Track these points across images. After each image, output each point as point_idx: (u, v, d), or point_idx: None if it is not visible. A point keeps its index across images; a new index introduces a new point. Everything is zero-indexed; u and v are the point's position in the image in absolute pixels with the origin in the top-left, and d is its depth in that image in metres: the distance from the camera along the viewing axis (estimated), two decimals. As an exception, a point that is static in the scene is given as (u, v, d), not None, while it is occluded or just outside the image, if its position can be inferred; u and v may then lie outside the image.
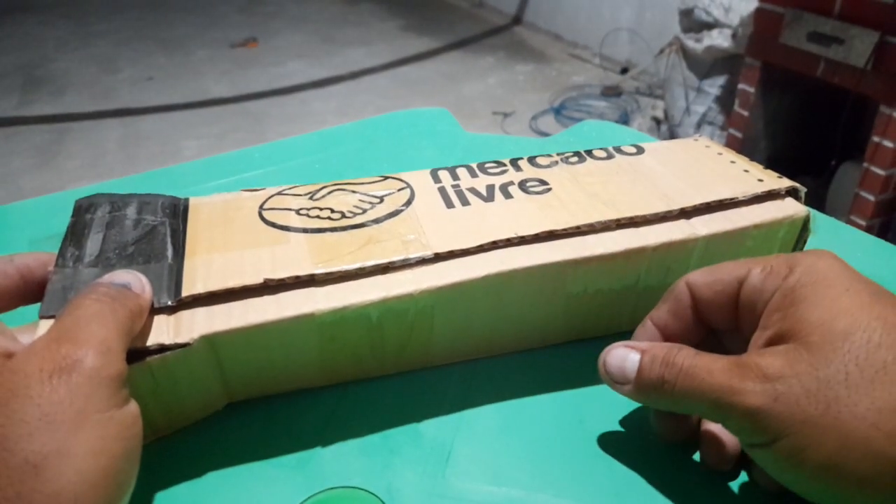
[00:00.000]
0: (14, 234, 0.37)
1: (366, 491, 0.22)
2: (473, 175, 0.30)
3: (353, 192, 0.29)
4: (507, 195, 0.29)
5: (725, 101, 1.52)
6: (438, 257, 0.25)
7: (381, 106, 2.00)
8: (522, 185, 0.29)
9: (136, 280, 0.22)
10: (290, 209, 0.28)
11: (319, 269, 0.24)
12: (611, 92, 2.00)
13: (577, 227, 0.26)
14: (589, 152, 0.32)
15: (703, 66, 1.54)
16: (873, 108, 1.17)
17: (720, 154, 0.32)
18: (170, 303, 0.22)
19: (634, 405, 0.26)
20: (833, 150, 1.26)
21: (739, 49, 1.41)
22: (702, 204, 0.27)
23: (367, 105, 2.01)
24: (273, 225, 0.27)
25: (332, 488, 0.22)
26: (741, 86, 1.39)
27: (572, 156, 0.32)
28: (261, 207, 0.28)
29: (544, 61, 2.34)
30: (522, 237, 0.26)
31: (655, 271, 0.27)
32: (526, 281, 0.25)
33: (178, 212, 0.28)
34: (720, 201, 0.27)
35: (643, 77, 2.06)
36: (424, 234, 0.26)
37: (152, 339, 0.21)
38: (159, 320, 0.22)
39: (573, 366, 0.27)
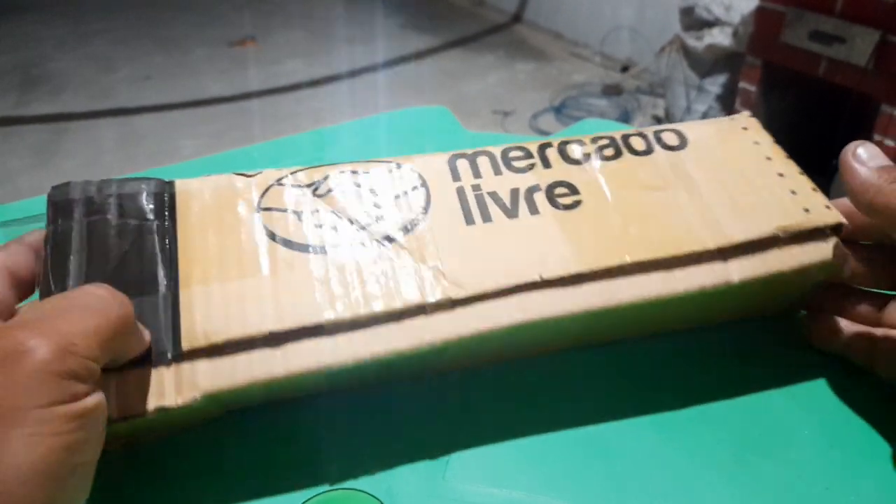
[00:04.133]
0: (12, 233, 0.37)
1: (365, 493, 0.21)
2: (497, 170, 0.27)
3: (361, 186, 0.26)
4: (533, 208, 0.26)
5: (726, 99, 1.51)
6: (457, 301, 0.23)
7: (381, 104, 1.99)
8: (550, 194, 0.26)
9: (108, 294, 0.20)
10: (291, 211, 0.25)
11: (328, 316, 0.22)
12: (611, 90, 2.00)
13: (607, 268, 0.24)
14: (627, 140, 0.28)
15: (704, 64, 1.53)
16: (875, 108, 1.16)
17: (768, 159, 0.28)
18: (170, 355, 0.21)
19: (635, 406, 0.25)
20: (834, 148, 1.26)
21: (740, 48, 1.41)
22: (741, 243, 0.25)
23: (367, 103, 2.01)
24: (274, 237, 0.24)
25: (331, 490, 0.22)
26: (742, 84, 1.38)
27: (608, 145, 0.28)
28: (258, 206, 0.25)
29: (545, 60, 2.33)
30: (548, 280, 0.24)
31: (682, 306, 0.26)
32: (548, 325, 0.24)
33: (163, 205, 0.24)
34: (760, 240, 0.25)
35: (644, 75, 2.05)
36: (441, 262, 0.24)
37: (154, 402, 0.21)
38: (158, 374, 0.21)
39: (575, 366, 0.27)
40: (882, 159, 0.25)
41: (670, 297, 0.24)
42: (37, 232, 0.23)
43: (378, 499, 0.21)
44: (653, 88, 1.97)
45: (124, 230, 0.23)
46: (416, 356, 0.23)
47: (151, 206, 0.24)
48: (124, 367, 0.21)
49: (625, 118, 1.85)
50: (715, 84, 1.52)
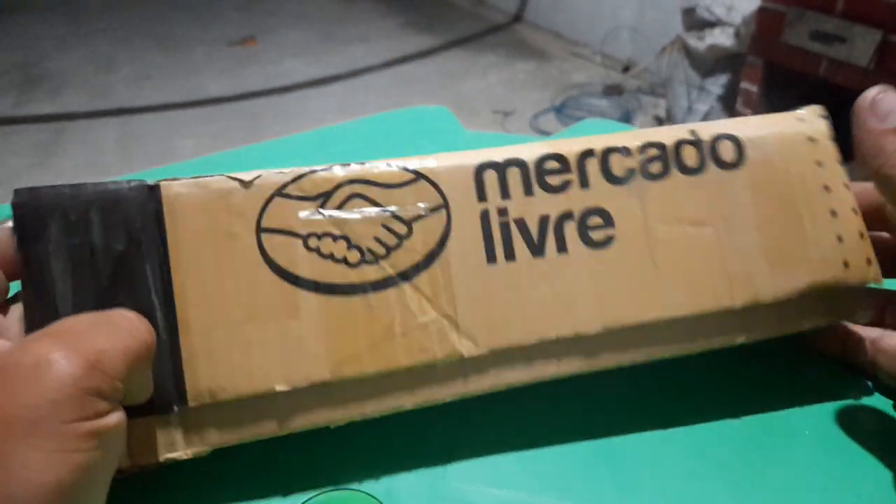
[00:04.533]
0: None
1: (365, 493, 0.21)
2: (528, 189, 0.23)
3: (375, 202, 0.23)
4: (561, 245, 0.23)
5: (728, 100, 1.51)
6: (468, 361, 0.22)
7: (381, 104, 1.99)
8: (582, 225, 0.24)
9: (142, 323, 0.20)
10: (296, 234, 0.22)
11: (334, 374, 0.22)
12: (612, 91, 2.00)
13: (628, 326, 0.23)
14: (678, 152, 0.24)
15: (706, 64, 1.53)
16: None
17: (826, 189, 0.25)
18: (176, 408, 0.21)
19: (636, 407, 0.25)
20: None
21: (742, 48, 1.41)
22: (767, 303, 0.24)
23: (367, 103, 2.01)
24: (278, 271, 0.22)
25: (330, 490, 0.22)
26: (744, 85, 1.38)
27: (656, 157, 0.24)
28: (259, 226, 0.22)
29: (545, 60, 2.33)
30: (572, 338, 0.23)
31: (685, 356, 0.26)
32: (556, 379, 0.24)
33: (151, 221, 0.21)
34: (786, 299, 0.24)
35: (645, 76, 2.05)
36: (456, 311, 0.22)
37: (164, 452, 0.21)
38: (166, 425, 0.21)
39: None
40: None
41: (678, 355, 0.25)
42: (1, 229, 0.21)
43: (378, 499, 0.21)
44: (654, 89, 1.97)
45: (110, 255, 0.21)
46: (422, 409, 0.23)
47: (139, 224, 0.21)
48: (131, 415, 0.19)
49: (626, 118, 1.85)
50: (716, 84, 1.52)
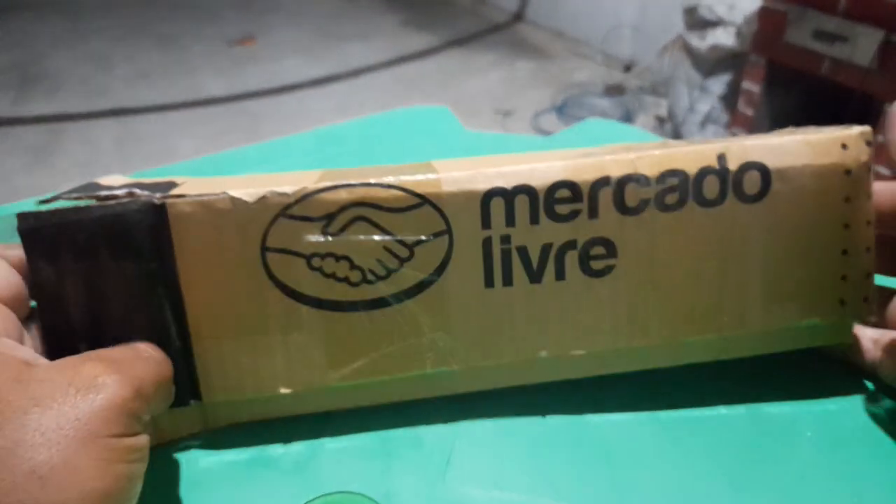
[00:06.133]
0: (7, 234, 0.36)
1: (364, 496, 0.21)
2: (534, 217, 0.23)
3: (379, 226, 0.23)
4: (560, 272, 0.23)
5: (729, 99, 1.51)
6: (460, 376, 0.24)
7: (381, 104, 1.99)
8: (584, 254, 0.23)
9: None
10: (300, 255, 0.22)
11: (333, 379, 0.24)
12: (613, 90, 1.99)
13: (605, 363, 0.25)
14: (699, 183, 0.23)
15: (707, 64, 1.52)
16: (878, 107, 1.15)
17: (846, 227, 0.24)
18: (191, 403, 0.23)
19: (637, 407, 0.26)
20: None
21: (743, 47, 1.40)
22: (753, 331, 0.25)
23: (367, 103, 2.00)
24: (282, 288, 0.22)
25: (329, 493, 0.22)
26: (745, 84, 1.38)
27: (674, 188, 0.23)
28: (263, 246, 0.22)
29: (546, 59, 2.32)
30: (551, 359, 0.24)
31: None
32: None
33: (159, 240, 0.22)
34: (776, 329, 0.25)
35: (646, 75, 2.04)
36: (449, 332, 0.24)
37: (184, 431, 0.24)
38: (182, 412, 0.23)
39: None
40: None
41: (663, 367, 0.25)
42: (13, 250, 0.22)
43: (377, 502, 0.21)
44: (655, 88, 1.96)
45: (122, 276, 0.21)
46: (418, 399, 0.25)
47: (147, 246, 0.21)
48: None
49: (627, 118, 1.85)
50: (718, 84, 1.52)
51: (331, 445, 0.24)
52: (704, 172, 0.23)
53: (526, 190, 0.23)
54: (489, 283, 0.23)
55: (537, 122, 1.87)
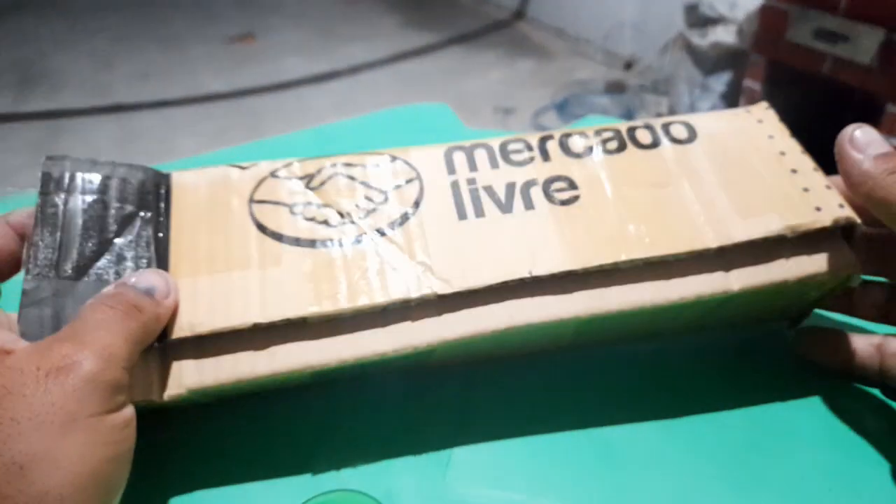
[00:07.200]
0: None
1: (365, 494, 0.21)
2: (494, 164, 0.26)
3: (355, 178, 0.26)
4: (528, 203, 0.25)
5: (730, 97, 1.50)
6: (443, 299, 0.23)
7: (381, 102, 1.98)
8: (546, 188, 0.25)
9: (162, 284, 0.22)
10: (283, 203, 0.25)
11: (312, 310, 0.22)
12: (614, 88, 1.99)
13: (600, 267, 0.23)
14: (633, 133, 0.27)
15: (708, 62, 1.52)
16: (880, 106, 1.15)
17: (782, 154, 0.26)
18: (155, 344, 0.22)
19: (638, 407, 0.25)
20: (839, 147, 1.25)
21: (745, 45, 1.40)
22: (744, 242, 0.24)
23: (367, 101, 2.00)
24: (264, 230, 0.24)
25: (330, 492, 0.22)
26: (746, 82, 1.37)
27: (612, 138, 0.27)
28: (251, 199, 0.25)
29: (547, 57, 2.32)
30: (537, 278, 0.23)
31: (677, 312, 0.25)
32: (537, 329, 0.23)
33: (160, 197, 0.25)
34: (765, 239, 0.24)
35: (647, 73, 2.04)
36: (430, 258, 0.23)
37: (140, 394, 0.21)
38: (145, 366, 0.22)
39: (577, 367, 0.27)
40: (881, 145, 0.23)
41: (665, 304, 0.23)
42: (18, 212, 0.23)
43: (377, 500, 0.21)
44: (656, 86, 1.96)
45: (120, 215, 0.24)
46: (401, 357, 0.23)
47: (149, 196, 0.25)
48: None
49: (628, 116, 1.84)
50: (719, 82, 1.51)
51: (331, 443, 0.24)
52: (634, 128, 0.27)
53: (483, 145, 0.27)
54: (462, 215, 0.25)
55: (538, 119, 1.87)
